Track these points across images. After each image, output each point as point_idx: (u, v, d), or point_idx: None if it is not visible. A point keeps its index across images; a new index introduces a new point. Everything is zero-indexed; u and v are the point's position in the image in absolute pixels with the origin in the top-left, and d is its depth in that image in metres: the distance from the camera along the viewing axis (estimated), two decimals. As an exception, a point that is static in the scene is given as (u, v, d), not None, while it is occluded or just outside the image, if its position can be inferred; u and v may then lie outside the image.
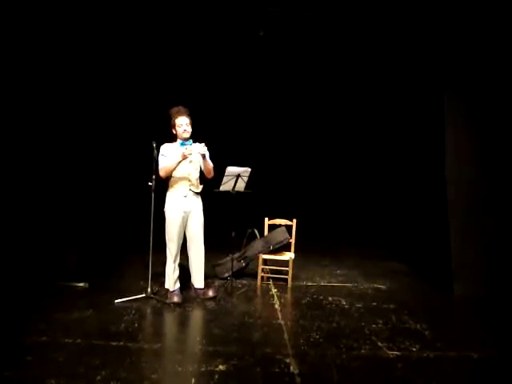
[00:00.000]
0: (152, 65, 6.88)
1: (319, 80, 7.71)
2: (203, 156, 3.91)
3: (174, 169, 3.89)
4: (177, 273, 4.01)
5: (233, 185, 4.24)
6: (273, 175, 7.86)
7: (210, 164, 4.03)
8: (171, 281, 3.99)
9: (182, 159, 3.84)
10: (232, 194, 4.30)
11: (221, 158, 4.55)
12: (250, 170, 4.24)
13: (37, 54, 4.65)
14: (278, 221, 4.79)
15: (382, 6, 5.27)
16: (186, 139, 3.94)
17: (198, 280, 4.10)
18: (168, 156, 3.92)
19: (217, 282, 4.68)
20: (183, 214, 3.95)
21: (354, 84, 7.63)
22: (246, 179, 4.29)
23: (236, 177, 4.19)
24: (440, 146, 4.65)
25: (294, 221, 4.72)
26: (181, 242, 3.99)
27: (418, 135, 5.85)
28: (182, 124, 3.91)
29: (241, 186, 4.32)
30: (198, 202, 4.09)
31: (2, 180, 4.26)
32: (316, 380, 2.63)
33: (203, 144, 3.91)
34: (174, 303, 3.87)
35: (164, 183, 4.17)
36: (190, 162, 3.98)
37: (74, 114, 5.21)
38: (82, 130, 5.38)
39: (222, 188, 4.23)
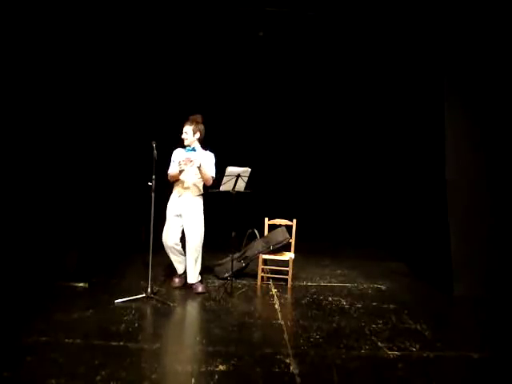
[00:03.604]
0: (152, 65, 6.88)
1: (319, 81, 7.70)
2: (198, 167, 4.13)
3: (177, 176, 4.21)
4: (178, 260, 4.33)
5: (233, 185, 4.24)
6: (273, 175, 7.85)
7: (206, 174, 4.21)
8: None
9: (179, 170, 4.14)
10: (232, 194, 4.30)
11: (221, 158, 4.56)
12: (249, 170, 4.25)
13: (38, 54, 4.65)
14: (277, 221, 4.79)
15: (382, 6, 5.27)
16: (188, 145, 4.25)
17: (189, 275, 4.26)
18: (175, 161, 4.23)
19: (217, 282, 4.69)
20: (177, 213, 4.23)
21: (354, 84, 7.62)
22: (245, 179, 4.29)
23: (236, 177, 4.19)
24: (440, 146, 4.65)
25: (294, 221, 4.72)
26: (174, 237, 4.23)
27: (418, 135, 5.85)
28: (183, 131, 4.25)
29: (241, 186, 4.32)
30: (193, 204, 4.24)
31: (2, 181, 4.26)
32: (316, 380, 2.63)
33: (196, 158, 4.10)
34: (173, 287, 4.37)
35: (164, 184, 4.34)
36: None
37: (75, 114, 5.21)
38: (83, 131, 5.38)
39: (222, 188, 4.24)
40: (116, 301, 3.87)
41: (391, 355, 2.94)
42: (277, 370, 2.70)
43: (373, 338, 3.25)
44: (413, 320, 3.65)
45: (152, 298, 3.97)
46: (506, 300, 4.22)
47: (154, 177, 4.02)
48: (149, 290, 3.98)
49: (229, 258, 4.73)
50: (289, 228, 4.73)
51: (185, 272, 4.32)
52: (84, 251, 5.13)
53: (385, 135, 7.43)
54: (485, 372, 2.83)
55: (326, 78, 7.59)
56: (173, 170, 4.21)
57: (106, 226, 6.14)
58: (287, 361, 2.82)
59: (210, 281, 4.78)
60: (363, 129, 7.96)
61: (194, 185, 4.25)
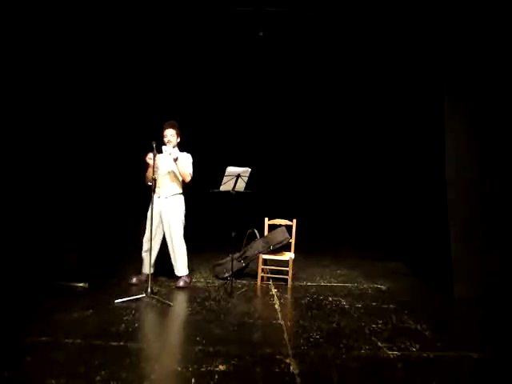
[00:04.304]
0: (152, 65, 6.87)
1: (319, 81, 7.70)
2: (174, 160, 4.25)
3: (151, 173, 4.21)
4: (151, 258, 4.33)
5: (233, 185, 4.24)
6: (273, 175, 7.86)
7: (184, 169, 4.37)
8: (143, 264, 4.51)
9: (148, 165, 4.24)
10: (232, 194, 4.30)
11: (221, 158, 4.56)
12: (249, 170, 4.25)
13: (38, 56, 4.65)
14: (277, 221, 4.79)
15: (382, 7, 5.27)
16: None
17: (177, 269, 4.47)
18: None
19: (217, 282, 4.69)
20: (156, 212, 4.38)
21: (355, 85, 7.63)
22: (245, 179, 4.30)
23: (236, 177, 4.20)
24: (440, 146, 4.65)
25: (294, 221, 4.72)
26: (152, 235, 4.26)
27: (418, 135, 5.84)
28: (167, 135, 4.43)
29: (241, 186, 4.32)
30: (172, 202, 4.40)
31: (2, 181, 4.26)
32: (316, 380, 2.63)
33: (172, 151, 4.29)
34: (129, 283, 4.44)
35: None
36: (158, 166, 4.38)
37: (74, 115, 5.21)
38: (82, 132, 5.39)
39: (222, 188, 4.25)
40: (116, 301, 3.88)
41: (391, 355, 2.94)
42: (277, 370, 2.70)
43: (373, 338, 3.24)
44: (413, 320, 3.65)
45: (152, 297, 3.97)
46: (506, 300, 4.22)
47: (153, 177, 4.04)
48: (149, 290, 3.98)
49: (229, 258, 4.73)
50: (289, 228, 4.73)
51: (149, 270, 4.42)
52: (84, 251, 5.14)
53: (385, 135, 7.43)
54: (485, 372, 2.83)
55: (326, 79, 7.60)
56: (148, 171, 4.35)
57: (106, 226, 6.14)
58: (287, 361, 2.82)
59: (210, 281, 4.78)
60: (363, 129, 7.96)
61: (173, 184, 4.42)
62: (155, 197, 4.43)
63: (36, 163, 4.70)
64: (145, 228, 4.40)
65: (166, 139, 4.41)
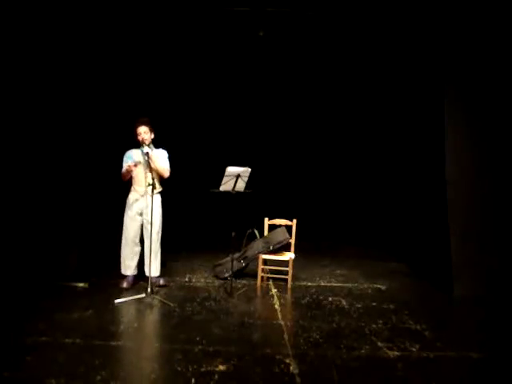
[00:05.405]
0: (152, 65, 6.87)
1: (319, 81, 7.70)
2: (147, 155, 4.17)
3: (128, 175, 4.31)
4: (133, 259, 4.39)
5: (233, 185, 4.24)
6: (273, 175, 7.85)
7: (161, 165, 4.31)
8: (123, 265, 4.41)
9: (126, 170, 4.24)
10: (232, 194, 4.30)
11: (221, 158, 4.55)
12: (249, 170, 4.25)
13: (36, 53, 4.65)
14: (277, 221, 4.79)
15: (382, 6, 5.28)
16: (148, 145, 4.31)
17: (152, 269, 4.27)
18: (124, 162, 4.36)
19: (217, 282, 4.69)
20: (138, 211, 4.36)
21: (355, 84, 7.62)
22: (245, 179, 4.30)
23: (236, 177, 4.20)
24: (440, 146, 4.65)
25: (294, 221, 4.72)
26: (136, 233, 4.37)
27: (418, 135, 5.84)
28: (140, 132, 4.32)
29: (241, 186, 4.32)
30: (153, 201, 4.21)
31: (2, 181, 4.26)
32: (316, 380, 2.63)
33: (148, 150, 4.23)
34: (121, 287, 4.30)
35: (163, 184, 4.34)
36: (135, 165, 4.30)
37: (73, 114, 5.21)
38: (82, 132, 5.39)
39: (221, 188, 4.25)
40: (116, 301, 3.88)
41: (391, 355, 2.94)
42: (277, 370, 2.70)
43: (373, 338, 3.25)
44: (413, 320, 3.65)
45: (152, 298, 3.97)
46: (506, 300, 4.22)
47: (153, 177, 4.04)
48: (149, 289, 3.98)
49: (229, 258, 4.73)
50: (289, 228, 4.73)
51: (135, 271, 4.44)
52: (84, 251, 5.14)
53: (385, 135, 7.42)
54: (485, 372, 2.83)
55: (326, 78, 7.59)
56: (123, 169, 4.32)
57: (106, 226, 6.13)
58: (287, 361, 2.82)
59: (210, 281, 4.78)
60: (363, 129, 7.95)
61: (145, 183, 4.32)
62: (135, 195, 4.38)
63: (35, 163, 4.69)
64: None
65: (139, 137, 4.29)
